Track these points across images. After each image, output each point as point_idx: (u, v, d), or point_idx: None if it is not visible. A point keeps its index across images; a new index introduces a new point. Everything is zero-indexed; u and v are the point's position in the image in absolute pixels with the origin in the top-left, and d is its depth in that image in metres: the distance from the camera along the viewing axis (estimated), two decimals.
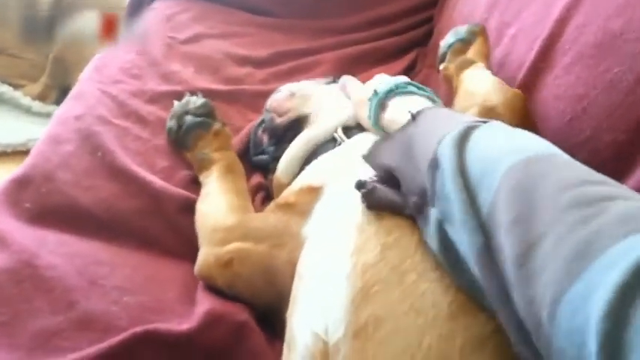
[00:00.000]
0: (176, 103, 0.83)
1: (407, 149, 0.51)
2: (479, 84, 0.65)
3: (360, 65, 1.07)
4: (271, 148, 0.81)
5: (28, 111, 1.55)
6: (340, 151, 0.69)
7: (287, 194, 0.66)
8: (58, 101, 1.59)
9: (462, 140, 0.45)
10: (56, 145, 0.76)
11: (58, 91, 1.59)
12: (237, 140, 0.84)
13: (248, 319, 0.60)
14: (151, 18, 1.07)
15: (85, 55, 1.49)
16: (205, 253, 0.66)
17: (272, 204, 0.67)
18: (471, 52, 0.73)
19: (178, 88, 0.89)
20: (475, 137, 0.45)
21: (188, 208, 0.72)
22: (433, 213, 0.45)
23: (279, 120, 0.80)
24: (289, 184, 0.70)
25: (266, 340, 0.60)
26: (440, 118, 0.53)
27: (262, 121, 0.84)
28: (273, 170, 0.77)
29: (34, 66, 1.60)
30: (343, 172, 0.61)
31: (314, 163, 0.70)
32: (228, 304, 0.61)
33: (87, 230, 0.68)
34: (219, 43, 1.03)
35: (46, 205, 0.69)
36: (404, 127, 0.54)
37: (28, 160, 0.73)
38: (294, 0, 1.17)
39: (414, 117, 0.54)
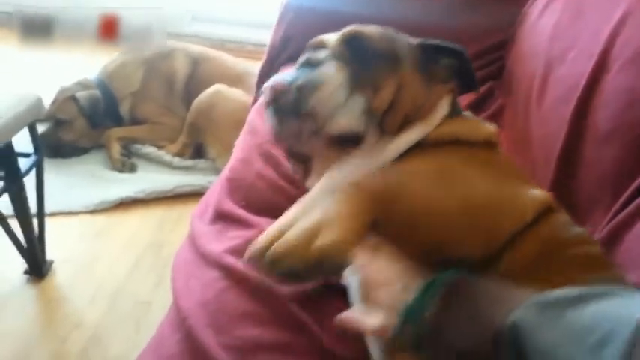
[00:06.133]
0: None
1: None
2: None
3: None
4: None
5: (170, 166, 1.92)
6: None
7: None
8: (193, 157, 1.96)
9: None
10: (247, 164, 1.07)
11: (193, 148, 1.96)
12: None
13: None
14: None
15: (213, 118, 1.87)
16: None
17: None
18: None
19: None
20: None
21: None
22: None
23: None
24: None
25: None
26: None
27: None
28: None
29: (172, 130, 1.99)
30: None
31: None
32: None
33: (279, 215, 0.96)
34: None
35: (254, 203, 0.98)
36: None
37: (232, 174, 1.05)
38: None
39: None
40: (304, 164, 0.75)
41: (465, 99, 1.29)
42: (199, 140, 1.92)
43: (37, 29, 1.90)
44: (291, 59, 1.47)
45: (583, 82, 0.95)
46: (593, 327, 0.43)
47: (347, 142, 0.66)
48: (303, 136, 0.65)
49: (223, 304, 0.77)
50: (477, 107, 1.24)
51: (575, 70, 0.99)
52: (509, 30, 1.35)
